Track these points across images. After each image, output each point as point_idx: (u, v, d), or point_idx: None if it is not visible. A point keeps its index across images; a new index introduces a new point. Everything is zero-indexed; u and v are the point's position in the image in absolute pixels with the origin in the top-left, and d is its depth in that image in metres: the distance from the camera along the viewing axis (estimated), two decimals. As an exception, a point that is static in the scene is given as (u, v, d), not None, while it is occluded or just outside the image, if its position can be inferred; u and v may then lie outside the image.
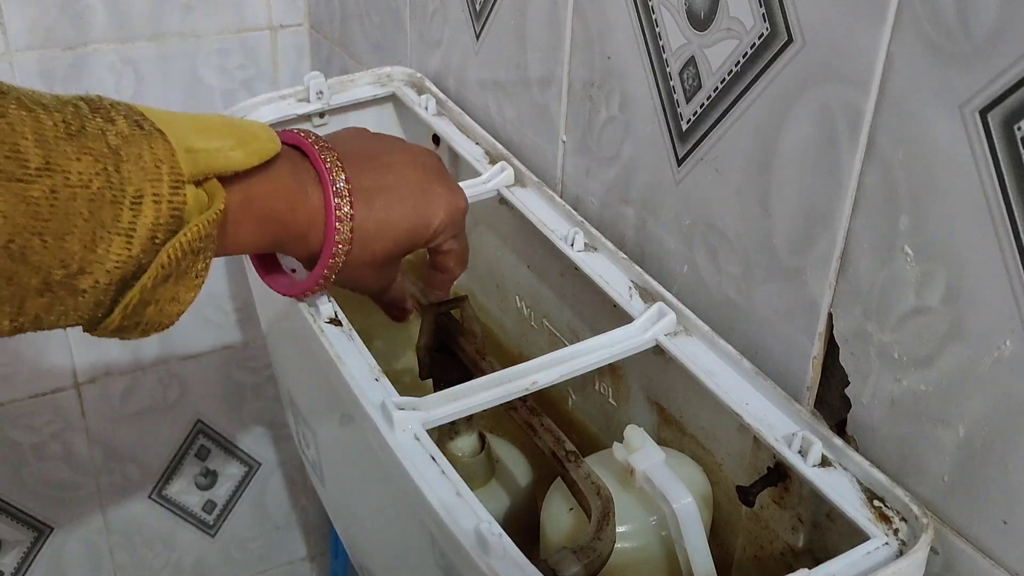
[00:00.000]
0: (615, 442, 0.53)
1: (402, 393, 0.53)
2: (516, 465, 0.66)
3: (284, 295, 0.58)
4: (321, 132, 0.81)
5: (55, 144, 0.40)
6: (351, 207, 0.53)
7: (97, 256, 0.42)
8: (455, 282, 0.64)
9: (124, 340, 0.47)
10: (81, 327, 0.45)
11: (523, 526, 0.64)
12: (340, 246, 0.53)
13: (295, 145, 0.54)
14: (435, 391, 0.59)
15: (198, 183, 0.46)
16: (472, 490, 0.47)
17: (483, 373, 0.57)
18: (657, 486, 0.50)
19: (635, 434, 0.52)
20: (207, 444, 1.30)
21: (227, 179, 0.48)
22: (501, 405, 0.55)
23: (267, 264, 0.59)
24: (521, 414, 0.57)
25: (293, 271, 0.60)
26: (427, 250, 0.60)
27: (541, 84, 0.69)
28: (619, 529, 0.51)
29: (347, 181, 0.53)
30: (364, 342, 0.56)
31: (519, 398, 0.55)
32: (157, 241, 0.43)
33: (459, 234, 0.60)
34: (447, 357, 0.64)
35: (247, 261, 0.60)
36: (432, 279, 0.63)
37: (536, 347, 0.74)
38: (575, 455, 0.54)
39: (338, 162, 0.53)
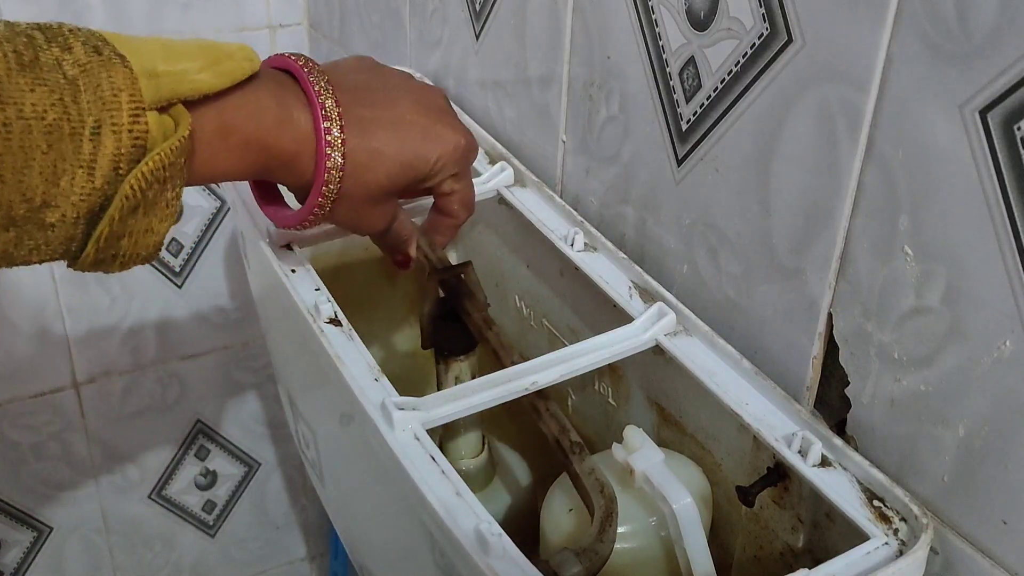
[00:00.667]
0: (615, 443, 0.53)
1: (402, 393, 0.53)
2: (517, 468, 0.66)
3: (281, 227, 0.57)
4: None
5: (6, 76, 0.40)
6: (342, 132, 0.51)
7: (60, 190, 0.41)
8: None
9: (108, 273, 0.47)
10: (65, 263, 0.45)
11: (523, 529, 0.63)
12: (332, 171, 0.51)
13: (284, 69, 0.53)
14: (436, 361, 0.59)
15: (163, 109, 0.44)
16: (472, 493, 0.47)
17: (489, 344, 0.56)
18: (656, 486, 0.50)
19: (634, 434, 0.52)
20: (207, 444, 1.30)
21: (198, 103, 0.46)
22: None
23: (268, 195, 0.57)
24: (528, 396, 0.55)
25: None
26: (433, 194, 0.59)
27: (541, 84, 0.69)
28: (619, 529, 0.51)
29: (338, 104, 0.51)
30: (364, 342, 0.56)
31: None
32: (120, 172, 0.43)
33: (463, 175, 0.58)
34: (451, 326, 0.62)
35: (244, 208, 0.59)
36: (436, 223, 0.61)
37: (536, 347, 0.74)
38: (580, 447, 0.53)
39: (329, 86, 0.52)
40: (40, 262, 0.44)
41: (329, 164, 0.51)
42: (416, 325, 0.65)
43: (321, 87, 0.51)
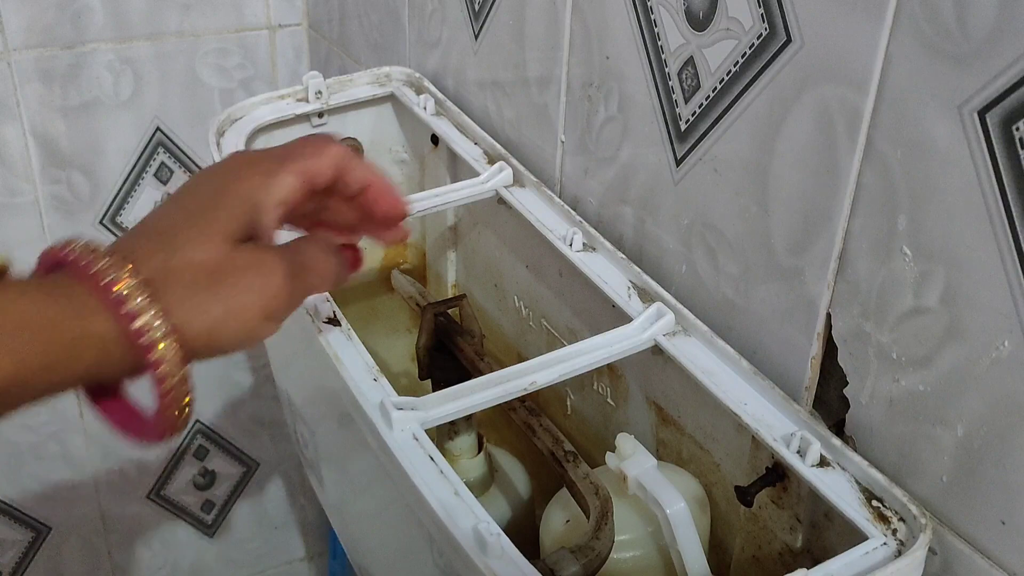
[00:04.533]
0: (607, 451, 0.53)
1: (401, 393, 0.53)
2: (515, 475, 0.66)
3: (148, 441, 0.43)
4: (319, 131, 0.81)
5: None
6: (111, 254, 0.40)
7: None
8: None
9: None
10: None
11: (522, 536, 0.63)
12: (129, 291, 0.39)
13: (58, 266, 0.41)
14: (434, 391, 0.59)
15: None
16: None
17: (481, 373, 0.57)
18: (649, 491, 0.50)
19: (626, 442, 0.52)
20: (205, 444, 1.30)
21: None
22: (500, 406, 0.55)
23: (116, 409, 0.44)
24: (520, 415, 0.57)
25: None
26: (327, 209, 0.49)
27: (540, 84, 0.69)
28: (617, 538, 0.51)
29: (96, 249, 0.40)
30: (362, 342, 0.56)
31: (518, 399, 0.55)
32: None
33: (312, 151, 0.47)
34: (446, 357, 0.64)
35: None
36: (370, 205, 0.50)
37: (535, 347, 0.74)
38: (574, 455, 0.54)
39: (86, 244, 0.40)
40: None
41: (113, 278, 0.39)
42: (416, 325, 0.65)
43: (72, 248, 0.40)
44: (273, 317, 0.44)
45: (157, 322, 0.39)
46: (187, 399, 0.41)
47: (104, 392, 0.43)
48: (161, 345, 0.40)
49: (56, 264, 0.41)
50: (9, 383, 0.37)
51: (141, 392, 0.43)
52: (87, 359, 0.39)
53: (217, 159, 0.71)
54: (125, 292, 0.39)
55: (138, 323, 0.39)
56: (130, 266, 0.40)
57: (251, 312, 0.43)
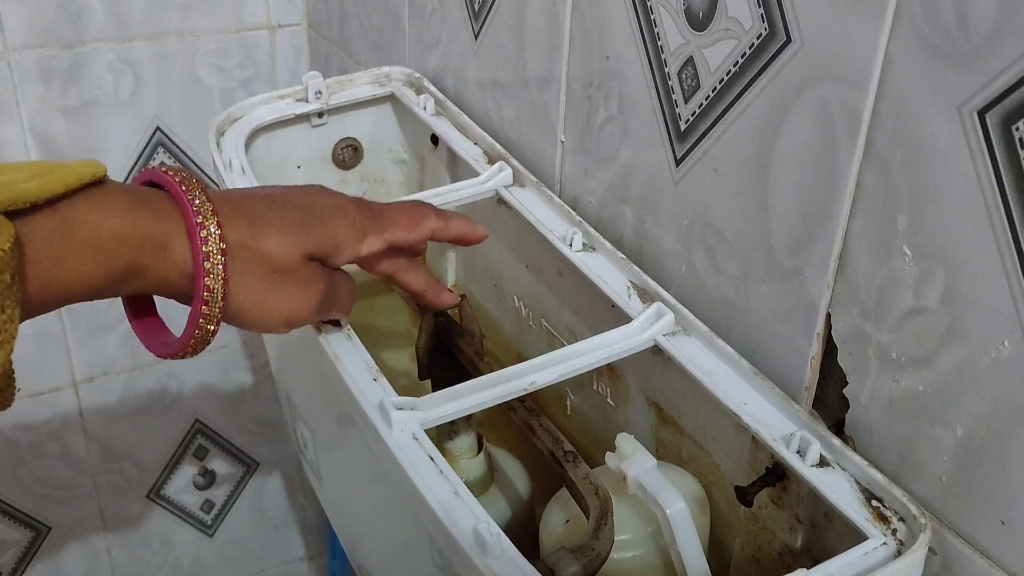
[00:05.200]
0: (607, 452, 0.53)
1: (401, 393, 0.53)
2: (515, 475, 0.66)
3: (169, 353, 0.50)
4: (319, 132, 0.81)
5: None
6: (209, 202, 0.46)
7: None
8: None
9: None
10: None
11: (522, 536, 0.63)
12: (211, 241, 0.45)
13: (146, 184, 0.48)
14: (434, 391, 0.59)
15: None
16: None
17: (481, 374, 0.57)
18: (649, 491, 0.50)
19: (626, 442, 0.52)
20: (205, 444, 1.30)
21: (29, 212, 0.40)
22: (500, 406, 0.55)
23: (150, 329, 0.51)
24: (520, 415, 0.57)
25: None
26: (368, 261, 0.54)
27: (540, 84, 0.69)
28: (617, 538, 0.51)
29: (204, 191, 0.47)
30: (362, 342, 0.56)
31: (518, 399, 0.55)
32: None
33: (379, 226, 0.53)
34: (446, 358, 0.64)
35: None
36: (403, 270, 0.57)
37: (534, 347, 0.74)
38: (573, 455, 0.54)
39: (191, 178, 0.47)
40: None
41: (203, 233, 0.45)
42: (416, 325, 0.65)
43: (183, 179, 0.47)
44: (292, 325, 0.51)
45: (217, 247, 0.46)
46: (214, 325, 0.47)
47: (139, 311, 0.51)
48: (211, 272, 0.46)
49: (151, 181, 0.47)
50: (91, 292, 0.44)
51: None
52: (154, 273, 0.46)
53: (217, 159, 0.71)
54: (200, 218, 0.46)
55: (202, 233, 0.45)
56: (215, 213, 0.46)
57: (278, 313, 0.50)
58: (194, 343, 0.48)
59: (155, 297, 0.51)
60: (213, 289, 0.46)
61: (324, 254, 0.51)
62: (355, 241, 0.52)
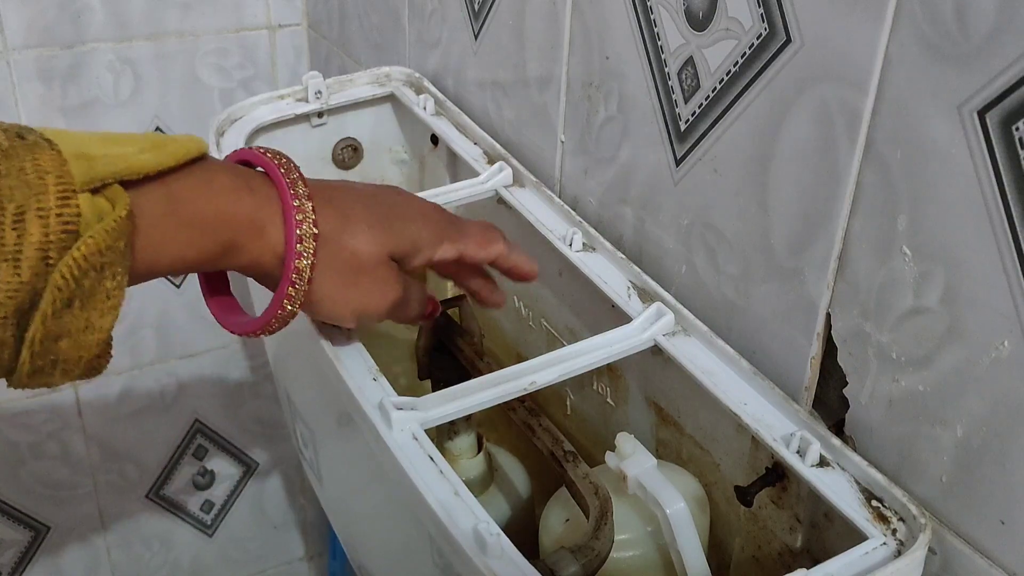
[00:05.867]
0: (607, 451, 0.53)
1: (401, 393, 0.53)
2: (515, 474, 0.66)
3: (241, 334, 0.52)
4: (319, 132, 0.81)
5: None
6: (308, 196, 0.48)
7: None
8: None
9: (51, 387, 0.42)
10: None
11: (522, 536, 0.63)
12: (304, 226, 0.47)
13: (242, 163, 0.50)
14: (434, 391, 0.59)
15: (98, 191, 0.40)
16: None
17: (481, 374, 0.57)
18: (649, 491, 0.50)
19: (626, 441, 0.52)
20: (205, 444, 1.30)
21: (140, 183, 0.42)
22: (500, 406, 0.55)
23: (224, 307, 0.53)
24: (520, 415, 0.57)
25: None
26: (440, 265, 0.56)
27: (539, 84, 0.69)
28: (617, 538, 0.51)
29: (302, 179, 0.48)
30: (362, 342, 0.56)
31: (518, 399, 0.55)
32: (50, 262, 0.38)
33: (457, 235, 0.55)
34: (446, 358, 0.64)
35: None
36: (474, 282, 0.60)
37: (534, 347, 0.74)
38: (573, 455, 0.54)
39: (291, 163, 0.49)
40: None
41: (299, 217, 0.47)
42: (415, 329, 0.65)
43: (282, 162, 0.48)
44: (360, 320, 0.52)
45: (310, 231, 0.47)
46: (297, 305, 0.49)
47: (215, 290, 0.53)
48: (303, 255, 0.47)
49: (247, 160, 0.49)
50: (188, 266, 0.46)
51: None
52: (248, 252, 0.47)
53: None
54: (284, 170, 0.48)
55: (298, 216, 0.47)
56: (310, 199, 0.48)
57: (350, 307, 0.51)
58: (275, 322, 0.49)
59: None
60: (302, 272, 0.48)
61: (404, 254, 0.52)
62: (434, 245, 0.54)
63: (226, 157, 0.50)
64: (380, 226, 0.51)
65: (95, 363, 0.42)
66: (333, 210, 0.49)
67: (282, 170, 0.48)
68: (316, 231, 0.47)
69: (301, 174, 0.49)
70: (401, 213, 0.53)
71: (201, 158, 0.46)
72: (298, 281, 0.48)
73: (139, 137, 0.43)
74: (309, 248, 0.47)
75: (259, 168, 0.49)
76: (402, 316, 0.56)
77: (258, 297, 0.63)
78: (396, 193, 0.55)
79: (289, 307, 0.49)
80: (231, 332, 0.52)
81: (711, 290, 0.57)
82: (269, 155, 0.49)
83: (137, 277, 0.44)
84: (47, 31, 1.00)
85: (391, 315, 0.54)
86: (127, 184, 0.41)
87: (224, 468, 1.33)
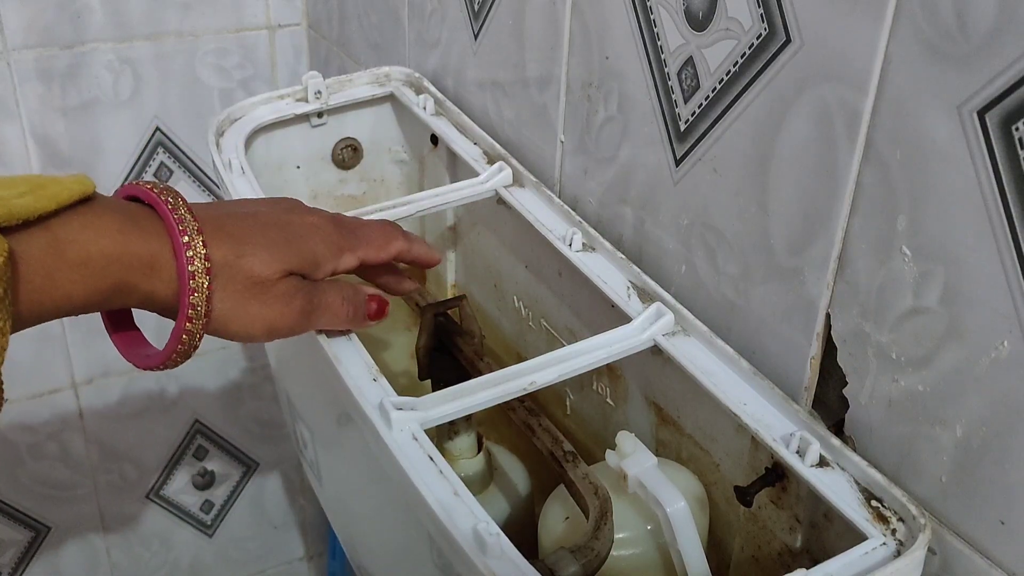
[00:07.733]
0: (607, 449, 0.53)
1: (400, 393, 0.53)
2: (515, 473, 0.66)
3: (144, 367, 0.51)
4: (318, 132, 0.82)
5: None
6: (196, 221, 0.47)
7: None
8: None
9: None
10: None
11: (521, 535, 0.63)
12: (195, 258, 0.47)
13: (129, 199, 0.49)
14: (434, 391, 0.59)
15: None
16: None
17: (481, 374, 0.57)
18: (649, 490, 0.50)
19: (626, 440, 0.52)
20: (204, 444, 1.30)
21: (22, 228, 0.42)
22: (500, 406, 0.55)
23: (129, 342, 0.53)
24: (520, 415, 0.57)
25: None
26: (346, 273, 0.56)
27: (539, 84, 0.69)
28: (616, 536, 0.51)
29: (189, 209, 0.48)
30: (362, 342, 0.56)
31: (517, 399, 0.55)
32: None
33: (353, 244, 0.56)
34: (446, 358, 0.64)
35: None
36: (388, 280, 0.60)
37: (534, 347, 0.74)
38: (573, 455, 0.54)
39: (178, 197, 0.48)
40: None
41: (189, 253, 0.47)
42: (415, 325, 0.65)
43: (169, 198, 0.48)
44: (274, 335, 0.52)
45: (202, 266, 0.47)
46: (197, 339, 0.49)
47: (118, 324, 0.53)
48: (196, 291, 0.47)
49: (135, 196, 0.49)
50: (78, 308, 0.45)
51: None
52: (141, 290, 0.47)
53: (217, 159, 0.71)
54: (187, 237, 0.47)
55: (188, 253, 0.47)
56: (200, 232, 0.47)
57: (257, 325, 0.51)
58: (176, 356, 0.49)
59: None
60: (197, 305, 0.48)
61: (304, 270, 0.53)
62: (333, 258, 0.54)
63: (114, 193, 0.50)
64: (275, 246, 0.51)
65: None
66: (225, 236, 0.49)
67: (169, 205, 0.48)
68: (208, 265, 0.48)
69: (189, 207, 0.48)
70: (296, 231, 0.53)
71: (89, 198, 0.45)
72: (194, 316, 0.48)
73: (19, 180, 0.43)
74: (203, 283, 0.48)
75: (145, 202, 0.49)
76: (332, 321, 0.55)
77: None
78: (292, 210, 0.55)
79: (189, 341, 0.49)
80: (135, 366, 0.52)
81: (711, 290, 0.57)
82: (156, 190, 0.48)
83: (22, 322, 0.43)
84: (47, 31, 1.00)
85: (313, 324, 0.54)
86: (6, 230, 0.41)
87: (224, 468, 1.33)
